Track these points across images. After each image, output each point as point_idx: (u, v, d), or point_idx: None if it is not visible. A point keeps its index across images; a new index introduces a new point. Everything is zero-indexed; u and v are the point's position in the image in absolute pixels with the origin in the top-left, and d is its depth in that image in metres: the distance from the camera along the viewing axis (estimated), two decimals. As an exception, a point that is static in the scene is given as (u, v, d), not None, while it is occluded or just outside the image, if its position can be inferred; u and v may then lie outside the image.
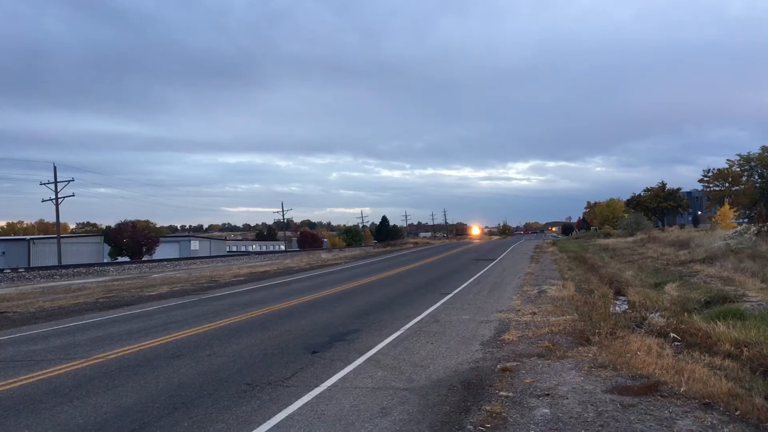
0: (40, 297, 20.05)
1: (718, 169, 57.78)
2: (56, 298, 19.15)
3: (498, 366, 7.28)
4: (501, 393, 6.04)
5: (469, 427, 5.09)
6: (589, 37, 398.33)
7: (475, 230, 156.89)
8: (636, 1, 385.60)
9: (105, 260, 56.66)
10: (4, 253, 52.79)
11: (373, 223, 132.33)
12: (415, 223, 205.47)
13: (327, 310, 13.31)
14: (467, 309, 12.85)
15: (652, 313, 10.74)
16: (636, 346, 7.72)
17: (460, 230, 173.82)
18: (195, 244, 79.55)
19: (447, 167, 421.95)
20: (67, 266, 39.60)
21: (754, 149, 48.60)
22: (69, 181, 50.31)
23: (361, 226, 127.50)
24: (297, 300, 15.74)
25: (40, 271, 35.09)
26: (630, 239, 47.42)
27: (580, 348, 8.04)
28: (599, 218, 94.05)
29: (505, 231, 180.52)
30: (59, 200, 49.65)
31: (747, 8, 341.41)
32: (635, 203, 78.01)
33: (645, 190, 79.94)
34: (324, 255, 53.35)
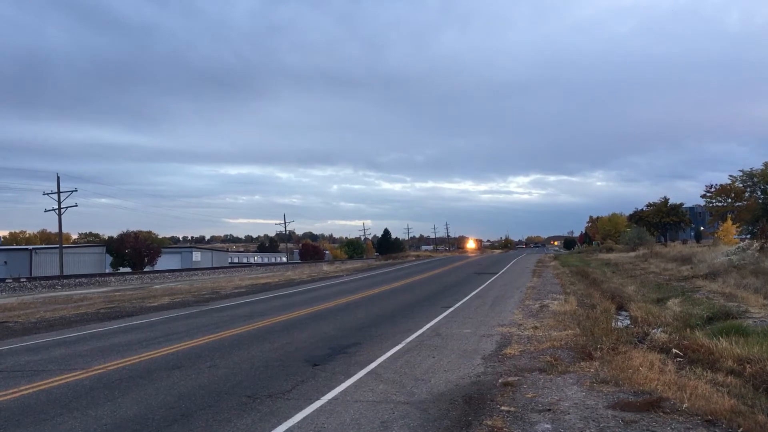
0: (41, 307, 20.06)
1: (721, 185, 57.84)
2: (57, 309, 19.15)
3: (499, 380, 7.25)
4: (502, 408, 6.01)
5: (470, 441, 5.06)
6: (588, 50, 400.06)
7: (471, 244, 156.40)
8: (635, 14, 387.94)
9: (107, 271, 56.71)
10: (6, 262, 52.82)
11: (375, 236, 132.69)
12: (417, 236, 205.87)
13: (328, 323, 13.29)
14: (469, 323, 12.81)
15: (654, 328, 10.70)
16: (638, 361, 7.69)
17: (462, 244, 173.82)
18: (197, 255, 79.68)
19: (447, 180, 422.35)
20: (68, 276, 39.65)
21: (755, 164, 48.99)
22: (72, 191, 50.62)
23: (363, 238, 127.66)
24: (298, 312, 15.71)
25: (42, 281, 35.14)
26: (632, 254, 47.34)
27: (582, 363, 8.01)
28: (601, 233, 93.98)
29: (506, 245, 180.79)
30: (62, 210, 49.89)
31: (744, 23, 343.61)
32: (638, 218, 77.97)
33: (647, 205, 79.99)
34: (326, 267, 53.32)
